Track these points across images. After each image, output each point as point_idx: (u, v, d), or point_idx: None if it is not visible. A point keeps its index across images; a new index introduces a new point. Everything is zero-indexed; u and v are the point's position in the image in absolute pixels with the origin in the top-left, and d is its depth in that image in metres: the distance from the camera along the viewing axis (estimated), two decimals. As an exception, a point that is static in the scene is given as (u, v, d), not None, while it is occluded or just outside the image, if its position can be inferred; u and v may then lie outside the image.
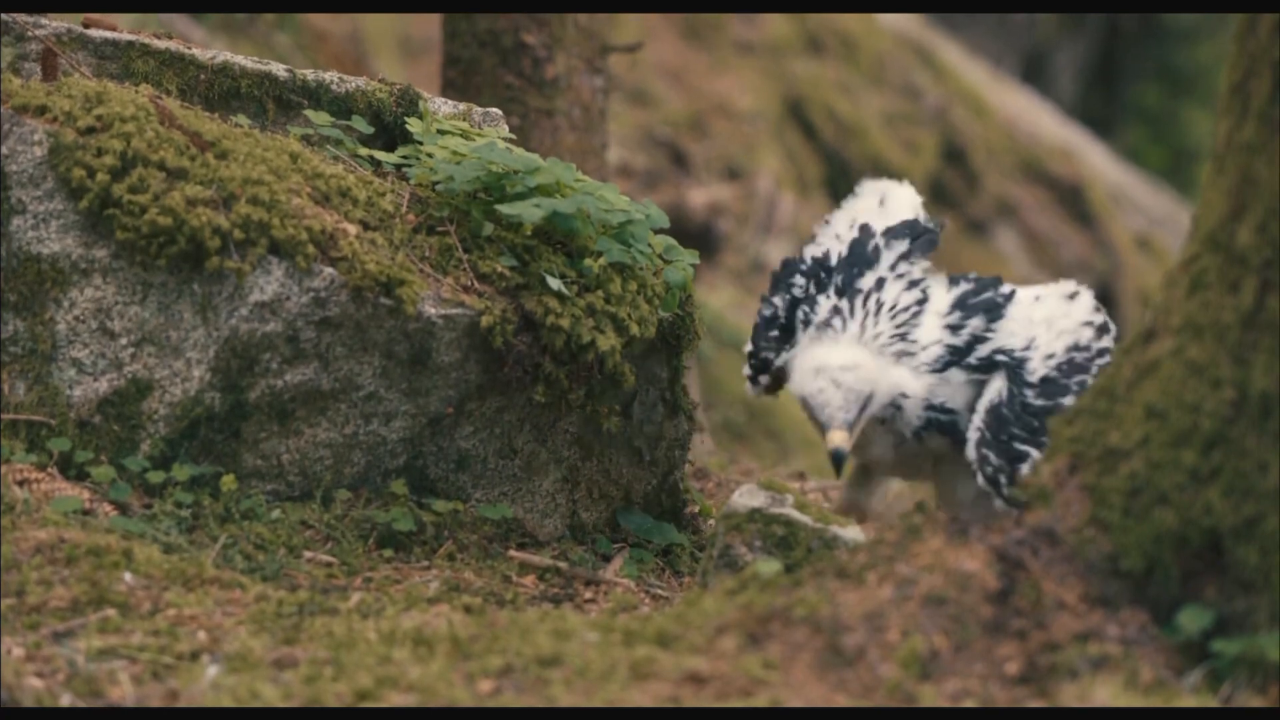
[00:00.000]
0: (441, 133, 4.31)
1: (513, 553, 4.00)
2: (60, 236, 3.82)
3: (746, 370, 4.13)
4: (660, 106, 11.62)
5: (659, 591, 4.01)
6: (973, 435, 3.87)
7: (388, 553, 3.91)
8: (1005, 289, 4.01)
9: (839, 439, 3.81)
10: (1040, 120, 14.57)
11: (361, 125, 4.29)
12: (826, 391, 3.84)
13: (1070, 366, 3.91)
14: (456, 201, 4.12)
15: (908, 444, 3.99)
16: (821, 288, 4.02)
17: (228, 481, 3.86)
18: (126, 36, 4.19)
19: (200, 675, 3.14)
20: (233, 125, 4.13)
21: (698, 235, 10.77)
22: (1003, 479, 3.82)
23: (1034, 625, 3.03)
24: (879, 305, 3.95)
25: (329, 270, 3.87)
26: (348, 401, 3.94)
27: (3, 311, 3.81)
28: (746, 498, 3.81)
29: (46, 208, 3.81)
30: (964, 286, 4.02)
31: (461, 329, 3.96)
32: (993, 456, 3.84)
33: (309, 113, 4.25)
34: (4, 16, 4.08)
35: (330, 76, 4.33)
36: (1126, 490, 3.07)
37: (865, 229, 4.08)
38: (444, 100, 4.48)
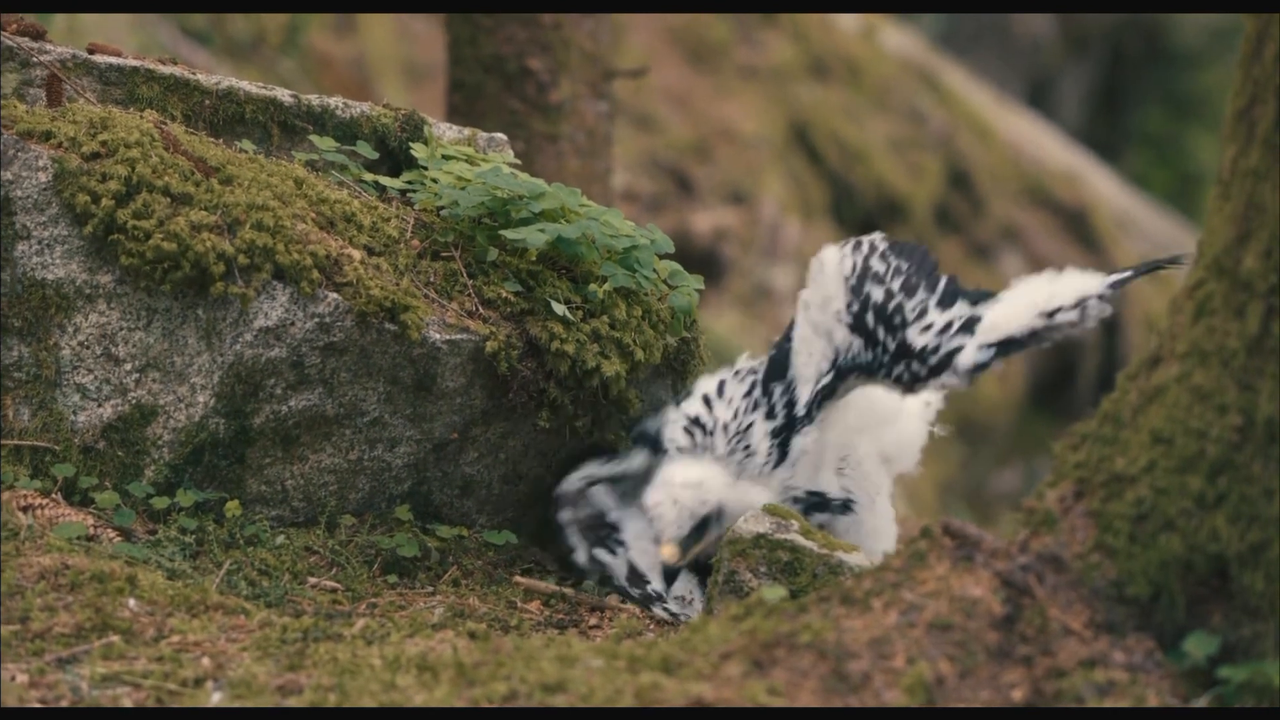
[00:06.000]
0: (446, 158, 4.31)
1: (518, 579, 4.00)
2: (65, 262, 3.82)
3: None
4: (665, 131, 11.63)
5: (664, 617, 4.00)
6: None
7: (392, 578, 3.91)
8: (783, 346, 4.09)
9: (668, 553, 3.92)
10: (1045, 145, 14.57)
11: (366, 150, 4.29)
12: (663, 506, 3.93)
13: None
14: (461, 227, 4.12)
15: None
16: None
17: (232, 507, 3.85)
18: (131, 62, 4.19)
19: (204, 702, 3.13)
20: (237, 150, 4.13)
21: (702, 260, 10.78)
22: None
23: (1040, 651, 3.02)
24: (721, 421, 4.01)
25: (333, 296, 3.87)
26: (352, 427, 3.94)
27: (8, 337, 3.81)
28: (752, 523, 3.81)
29: (51, 233, 3.81)
30: (759, 361, 4.10)
31: (466, 354, 3.96)
32: None
33: (314, 138, 4.25)
34: (9, 42, 4.08)
35: (335, 102, 4.34)
36: (1132, 516, 3.07)
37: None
38: (449, 125, 4.48)
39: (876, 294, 3.94)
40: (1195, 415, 3.05)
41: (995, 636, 3.04)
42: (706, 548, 3.97)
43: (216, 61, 8.69)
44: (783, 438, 3.98)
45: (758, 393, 4.01)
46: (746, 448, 3.98)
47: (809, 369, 3.98)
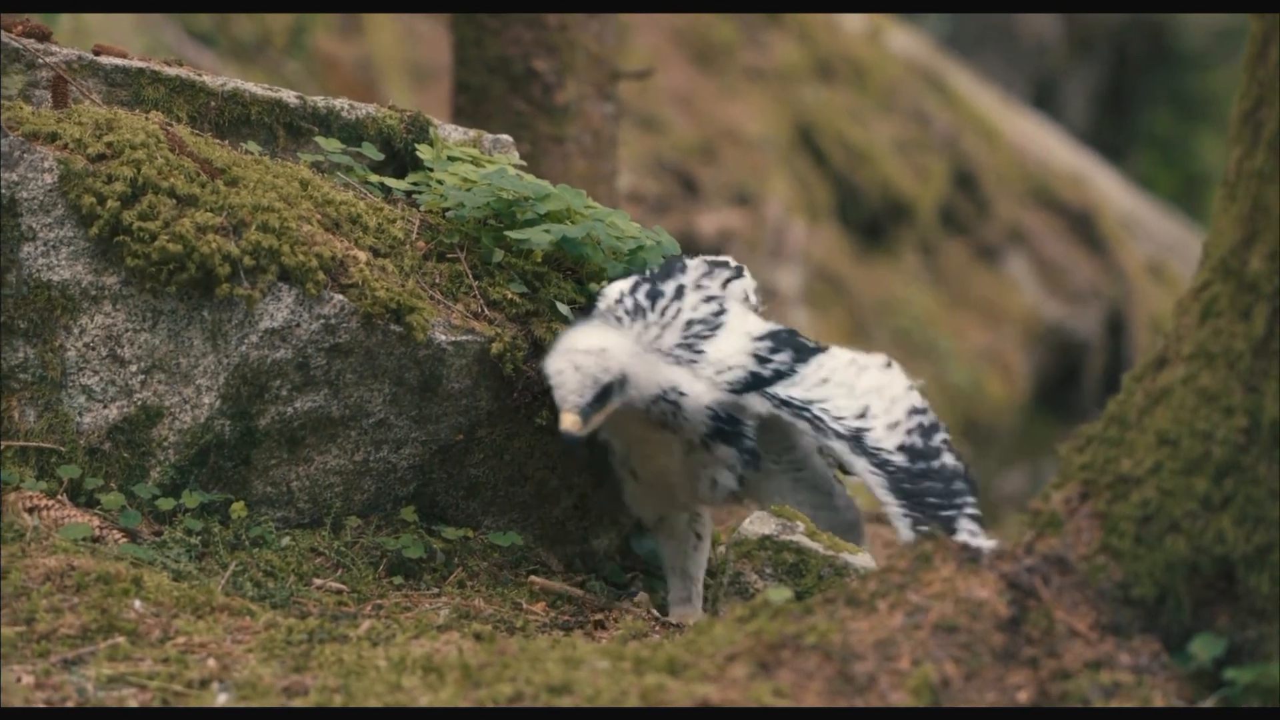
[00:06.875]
0: (452, 159, 4.31)
1: (534, 579, 3.99)
2: (70, 263, 3.82)
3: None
4: (670, 133, 11.63)
5: (669, 619, 4.00)
6: (896, 514, 3.76)
7: (398, 580, 3.91)
8: (813, 343, 4.00)
9: (569, 421, 3.73)
10: (1051, 146, 14.57)
11: (372, 152, 4.29)
12: (565, 373, 3.76)
13: (921, 430, 3.89)
14: (467, 228, 4.12)
15: (696, 453, 3.94)
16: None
17: (237, 509, 3.86)
18: (137, 63, 4.20)
19: (210, 703, 3.13)
20: (243, 152, 4.13)
21: (708, 261, 10.74)
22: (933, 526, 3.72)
23: (1045, 653, 3.02)
24: (674, 312, 3.92)
25: (339, 297, 3.87)
26: (358, 428, 3.94)
27: (13, 338, 3.81)
28: (757, 525, 3.81)
29: (57, 235, 3.82)
30: (775, 326, 3.99)
31: (471, 356, 3.96)
32: (922, 518, 3.76)
33: (319, 139, 4.25)
34: (15, 43, 4.08)
35: (340, 103, 4.34)
36: (1138, 518, 3.07)
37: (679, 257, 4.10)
38: (454, 127, 4.49)
39: None
40: (1201, 417, 3.04)
41: (1001, 638, 3.04)
42: (609, 418, 3.84)
43: (222, 63, 8.70)
44: (754, 383, 3.90)
45: (749, 338, 3.94)
46: (700, 353, 3.90)
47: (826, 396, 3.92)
